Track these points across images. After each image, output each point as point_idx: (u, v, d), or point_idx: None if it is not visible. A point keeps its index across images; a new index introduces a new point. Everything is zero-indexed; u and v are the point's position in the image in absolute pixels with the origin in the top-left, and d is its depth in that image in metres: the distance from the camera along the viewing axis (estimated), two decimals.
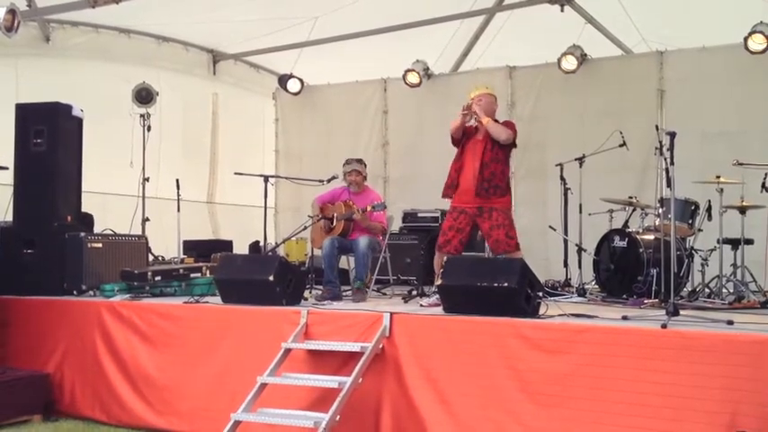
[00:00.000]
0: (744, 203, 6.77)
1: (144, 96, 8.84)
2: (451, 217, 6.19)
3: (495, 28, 9.90)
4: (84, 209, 7.61)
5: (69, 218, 7.02)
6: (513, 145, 6.25)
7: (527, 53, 9.39)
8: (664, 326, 4.40)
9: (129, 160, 8.75)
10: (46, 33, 8.92)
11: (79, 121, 7.20)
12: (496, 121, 6.22)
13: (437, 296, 5.76)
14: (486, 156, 6.06)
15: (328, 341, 5.31)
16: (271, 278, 5.78)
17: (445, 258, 5.55)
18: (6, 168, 7.13)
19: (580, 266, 7.26)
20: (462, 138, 6.22)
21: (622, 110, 8.58)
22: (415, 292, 6.75)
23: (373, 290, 7.20)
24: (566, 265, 7.68)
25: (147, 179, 8.57)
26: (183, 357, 5.85)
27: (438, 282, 5.47)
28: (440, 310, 5.38)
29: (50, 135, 6.92)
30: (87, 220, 8.09)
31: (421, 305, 5.91)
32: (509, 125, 6.21)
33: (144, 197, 8.53)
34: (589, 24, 9.27)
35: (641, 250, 6.48)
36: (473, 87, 6.38)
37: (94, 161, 7.70)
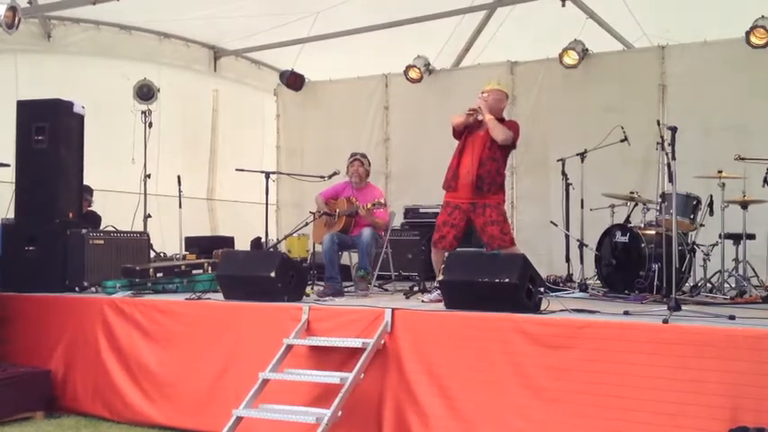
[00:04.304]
0: (746, 198, 6.77)
1: (145, 93, 8.85)
2: (446, 212, 6.17)
3: (496, 23, 9.88)
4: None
5: (71, 214, 7.03)
6: (512, 146, 6.23)
7: (528, 48, 9.39)
8: (665, 321, 4.40)
9: (131, 157, 8.75)
10: (47, 30, 8.91)
11: (80, 118, 7.19)
12: (502, 119, 6.19)
13: (438, 292, 5.76)
14: (483, 153, 6.03)
15: (330, 337, 5.31)
16: (272, 274, 5.78)
17: (446, 254, 5.55)
18: (8, 165, 7.14)
19: (582, 262, 7.26)
20: (464, 130, 6.21)
21: (624, 105, 8.56)
22: (416, 288, 6.75)
23: (375, 286, 7.21)
24: (567, 260, 7.67)
25: (149, 176, 8.56)
26: (184, 354, 5.86)
27: (439, 277, 5.48)
28: (441, 305, 5.38)
29: (52, 132, 6.92)
30: (94, 220, 8.11)
31: (422, 301, 5.91)
32: (512, 127, 6.14)
33: (146, 194, 8.53)
34: (590, 19, 9.25)
35: (643, 245, 6.48)
36: (488, 80, 6.35)
37: (96, 158, 7.70)
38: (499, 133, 6.01)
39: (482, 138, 6.09)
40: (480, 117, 6.09)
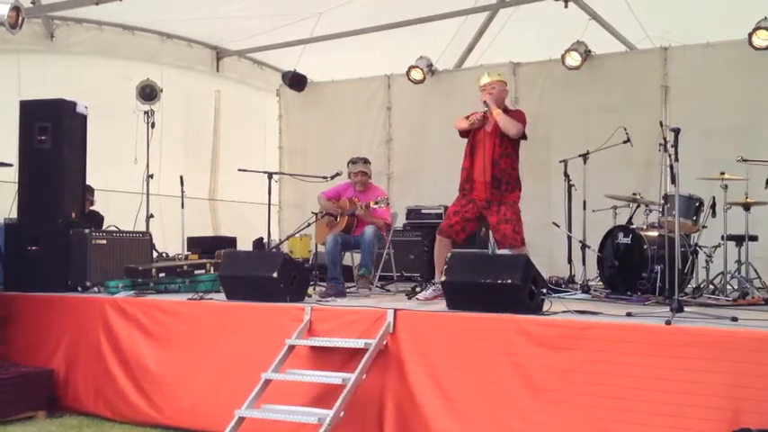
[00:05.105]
0: (748, 200, 6.76)
1: (148, 93, 8.85)
2: (459, 204, 6.10)
3: (498, 24, 9.89)
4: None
5: (74, 214, 7.03)
6: (524, 137, 6.17)
7: (531, 49, 9.38)
8: (668, 322, 4.40)
9: (133, 157, 8.76)
10: (50, 30, 8.93)
11: (83, 118, 7.20)
12: (507, 110, 6.10)
13: (433, 288, 5.76)
14: (496, 151, 5.97)
15: (332, 338, 5.32)
16: (274, 275, 5.79)
17: (449, 255, 5.54)
18: (11, 165, 7.15)
19: (584, 263, 7.25)
20: (470, 130, 6.12)
21: (626, 106, 8.56)
22: (418, 289, 6.75)
23: (377, 286, 7.21)
24: (570, 261, 7.66)
25: (152, 176, 8.57)
26: (186, 354, 5.86)
27: (437, 274, 5.46)
28: (442, 305, 5.38)
29: (55, 132, 6.92)
30: (97, 220, 8.12)
31: (417, 299, 5.83)
32: (519, 117, 6.06)
33: (148, 194, 8.54)
34: (593, 20, 9.26)
35: (645, 247, 6.47)
36: (485, 73, 6.28)
37: (98, 158, 7.71)
38: (511, 127, 5.93)
39: (491, 135, 6.00)
40: (486, 109, 5.98)
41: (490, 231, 6.83)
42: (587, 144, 7.60)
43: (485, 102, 6.02)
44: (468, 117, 6.09)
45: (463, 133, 6.17)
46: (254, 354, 5.48)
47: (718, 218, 6.75)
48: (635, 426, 4.25)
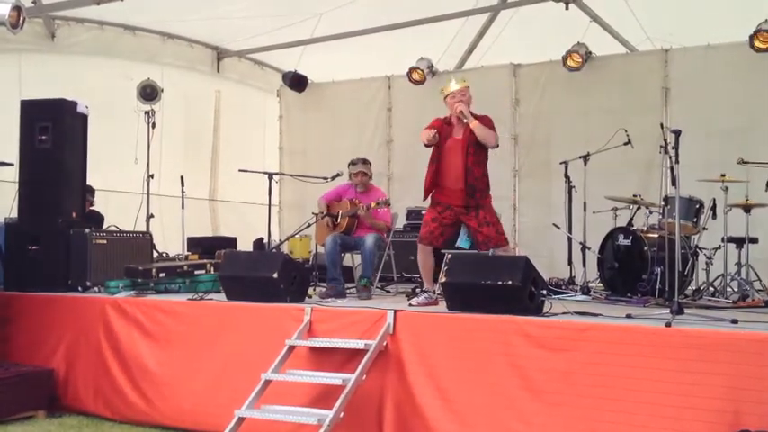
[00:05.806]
0: (748, 202, 6.77)
1: (149, 93, 8.84)
2: (436, 210, 5.97)
3: (499, 25, 9.90)
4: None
5: (74, 214, 7.04)
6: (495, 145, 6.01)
7: (531, 51, 9.39)
8: (668, 324, 4.41)
9: (134, 157, 8.76)
10: (51, 30, 8.93)
11: (84, 118, 7.21)
12: (475, 115, 5.88)
13: (426, 295, 5.75)
14: (468, 160, 5.80)
15: (332, 338, 5.32)
16: (275, 275, 5.79)
17: (448, 256, 5.54)
18: (11, 165, 7.15)
19: (584, 264, 7.25)
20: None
21: (627, 108, 8.57)
22: (419, 290, 6.75)
23: (377, 287, 7.21)
24: (570, 263, 7.66)
25: (152, 176, 8.57)
26: (186, 354, 5.86)
27: (427, 282, 5.52)
28: (439, 308, 5.37)
29: (55, 132, 6.93)
30: (97, 219, 8.12)
31: (410, 304, 5.76)
32: (491, 125, 5.90)
33: (148, 194, 8.54)
34: (594, 22, 9.27)
35: (646, 248, 6.47)
36: (451, 80, 6.12)
37: (99, 158, 7.71)
38: (489, 138, 5.82)
39: (462, 142, 5.83)
40: (465, 120, 5.82)
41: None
42: (588, 145, 7.61)
43: (461, 111, 5.80)
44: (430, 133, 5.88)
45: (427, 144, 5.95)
46: (254, 354, 5.48)
47: (718, 220, 6.75)
48: (635, 428, 4.25)
